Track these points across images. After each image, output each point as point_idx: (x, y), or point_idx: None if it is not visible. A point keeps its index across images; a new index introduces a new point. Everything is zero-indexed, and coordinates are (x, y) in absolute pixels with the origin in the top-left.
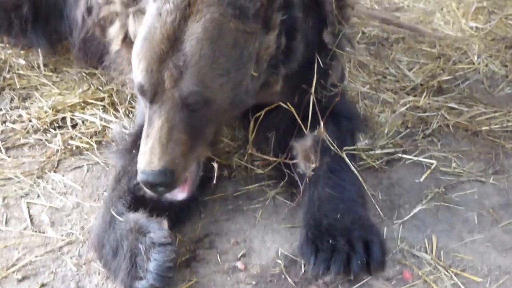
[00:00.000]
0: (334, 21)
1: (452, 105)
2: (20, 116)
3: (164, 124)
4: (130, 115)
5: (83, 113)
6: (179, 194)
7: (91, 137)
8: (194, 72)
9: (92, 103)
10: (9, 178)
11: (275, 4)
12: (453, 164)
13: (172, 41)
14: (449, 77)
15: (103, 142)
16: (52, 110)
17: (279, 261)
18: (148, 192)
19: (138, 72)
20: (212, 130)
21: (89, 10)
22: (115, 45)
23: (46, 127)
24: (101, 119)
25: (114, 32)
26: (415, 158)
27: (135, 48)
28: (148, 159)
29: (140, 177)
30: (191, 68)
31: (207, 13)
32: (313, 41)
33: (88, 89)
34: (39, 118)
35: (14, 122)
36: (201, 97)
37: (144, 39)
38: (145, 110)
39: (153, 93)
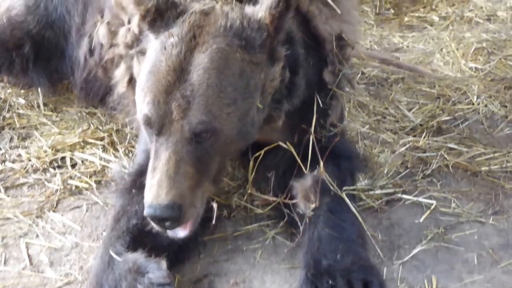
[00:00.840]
0: (334, 60)
1: (452, 145)
2: (19, 155)
3: (172, 156)
4: (130, 155)
5: (82, 152)
6: (181, 232)
7: (90, 177)
8: (202, 102)
9: (91, 142)
10: (8, 218)
11: (280, 36)
12: (453, 205)
13: (179, 72)
14: (448, 118)
15: (103, 182)
16: (52, 149)
17: None
18: (155, 227)
19: (144, 105)
20: (217, 165)
21: (91, 51)
22: (121, 87)
23: (46, 166)
24: (100, 158)
25: (119, 74)
26: (415, 199)
27: (139, 82)
28: (156, 193)
29: (147, 211)
30: (199, 97)
31: (213, 43)
32: (313, 80)
33: (88, 128)
34: (38, 158)
35: (13, 162)
36: (209, 126)
37: (150, 72)
38: (150, 145)
39: (160, 125)
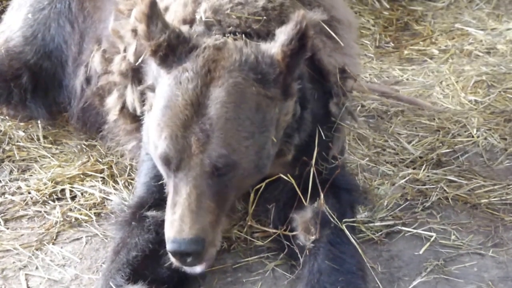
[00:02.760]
0: (339, 93)
1: (451, 178)
2: (19, 188)
3: (193, 190)
4: (130, 187)
5: (82, 185)
6: (198, 267)
7: (90, 209)
8: (221, 135)
9: (91, 175)
10: (8, 250)
11: (294, 73)
12: (453, 237)
13: (196, 106)
14: (448, 150)
15: (102, 214)
16: (51, 182)
17: None
18: (175, 263)
19: (160, 141)
20: (233, 199)
21: (88, 80)
22: (112, 115)
23: (45, 199)
24: (100, 191)
25: (111, 102)
26: (415, 231)
27: (154, 117)
28: (179, 228)
29: (171, 246)
30: (218, 131)
31: (229, 78)
32: (318, 113)
33: (88, 161)
34: (38, 190)
35: (13, 194)
36: (229, 160)
37: (165, 107)
38: (167, 180)
39: (179, 160)
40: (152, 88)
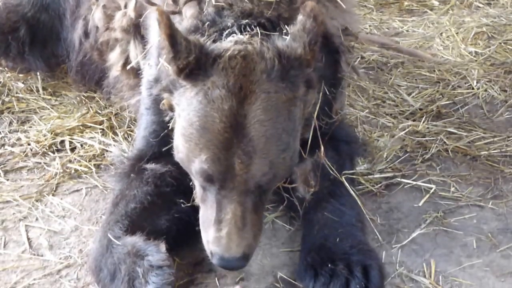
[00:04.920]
0: (346, 51)
1: (451, 129)
2: (19, 139)
3: (238, 208)
4: (129, 139)
5: (81, 136)
6: None
7: (89, 161)
8: (263, 155)
9: (91, 126)
10: (8, 201)
11: (315, 64)
12: (452, 189)
13: (235, 127)
14: (448, 102)
15: (102, 166)
16: (51, 133)
17: (278, 285)
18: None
19: (201, 162)
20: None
21: (86, 34)
22: (115, 70)
23: (45, 150)
24: (99, 142)
25: (114, 58)
26: (414, 183)
27: (189, 136)
28: (227, 246)
29: (219, 263)
30: (259, 151)
31: (260, 92)
32: (325, 73)
33: (87, 112)
34: (37, 142)
35: (13, 146)
36: (271, 175)
37: (203, 128)
38: (207, 194)
39: (223, 180)
40: (170, 91)
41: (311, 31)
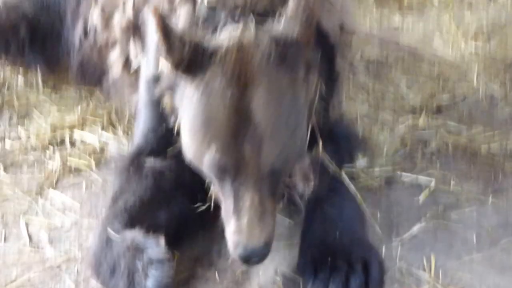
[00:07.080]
0: (343, 48)
1: (452, 124)
2: (19, 133)
3: (255, 196)
4: (129, 133)
5: (82, 131)
6: None
7: (89, 155)
8: (273, 139)
9: (91, 121)
10: (8, 196)
11: (312, 43)
12: (452, 183)
13: (240, 113)
14: (448, 97)
15: (102, 160)
16: (51, 128)
17: (278, 279)
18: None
19: (211, 154)
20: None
21: (86, 33)
22: (116, 70)
23: (45, 145)
24: (100, 137)
25: (114, 58)
26: (414, 176)
27: (195, 130)
28: (248, 235)
29: (242, 254)
30: (268, 135)
31: (260, 77)
32: (322, 69)
33: (87, 107)
34: (37, 136)
35: (13, 140)
36: (284, 158)
37: (208, 119)
38: (221, 186)
39: (236, 169)
40: (173, 89)
41: (306, 9)
